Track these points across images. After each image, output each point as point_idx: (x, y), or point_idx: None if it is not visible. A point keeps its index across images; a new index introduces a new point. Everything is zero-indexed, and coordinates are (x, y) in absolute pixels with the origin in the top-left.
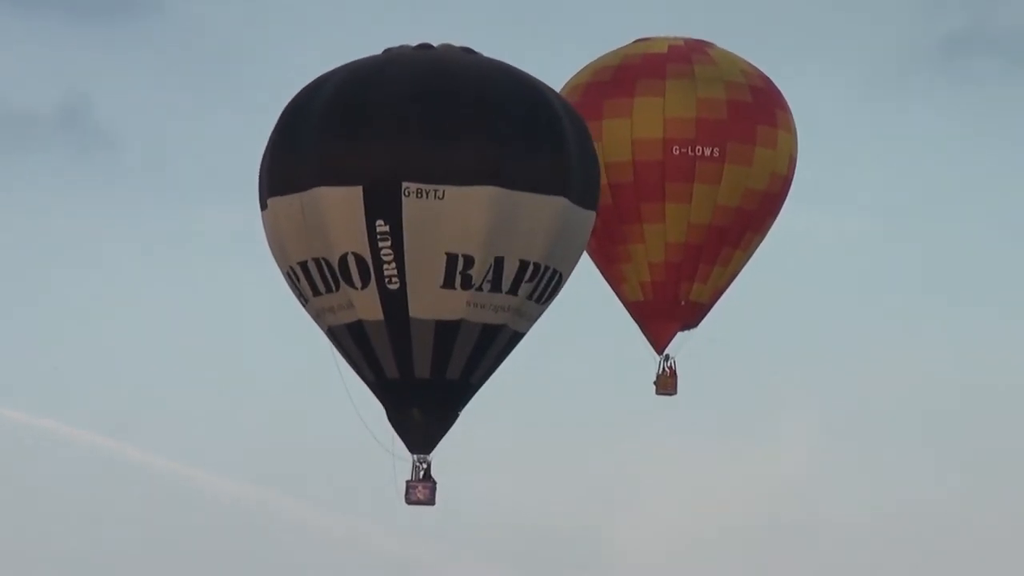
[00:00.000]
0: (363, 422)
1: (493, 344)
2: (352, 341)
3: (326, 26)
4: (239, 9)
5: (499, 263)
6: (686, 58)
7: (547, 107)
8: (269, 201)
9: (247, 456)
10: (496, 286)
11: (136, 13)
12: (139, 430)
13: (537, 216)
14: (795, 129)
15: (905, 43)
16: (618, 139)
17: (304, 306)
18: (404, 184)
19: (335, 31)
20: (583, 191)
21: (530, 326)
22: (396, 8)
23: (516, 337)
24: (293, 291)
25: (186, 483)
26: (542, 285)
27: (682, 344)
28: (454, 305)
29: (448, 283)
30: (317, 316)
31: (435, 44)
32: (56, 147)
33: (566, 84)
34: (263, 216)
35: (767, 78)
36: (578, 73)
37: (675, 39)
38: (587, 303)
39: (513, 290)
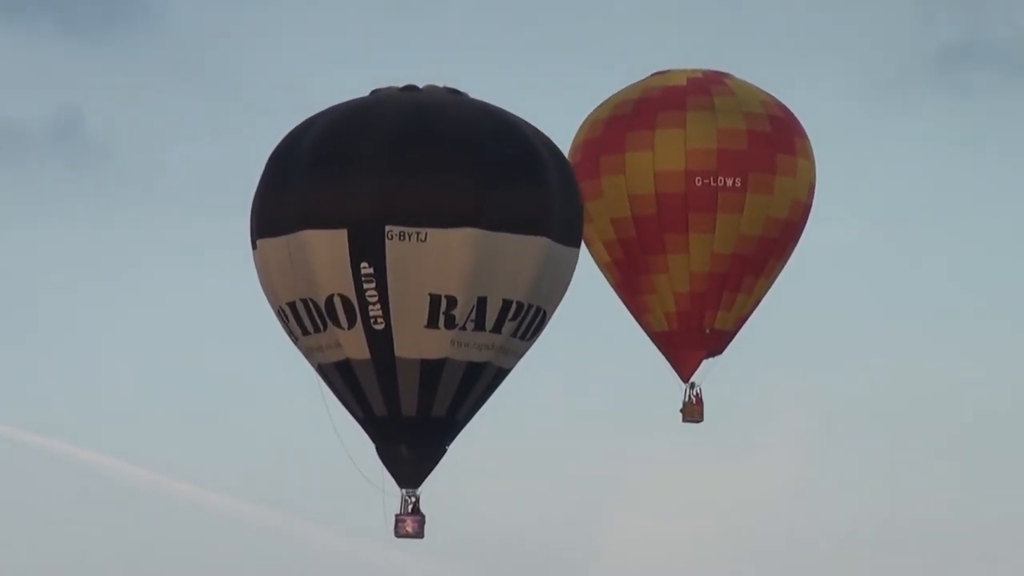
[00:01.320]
0: (351, 460)
1: (478, 381)
2: (341, 379)
3: (320, 60)
4: (234, 20)
5: (482, 303)
6: (705, 90)
7: (529, 148)
8: (258, 242)
9: (237, 484)
10: (480, 325)
11: (129, 25)
12: (128, 445)
13: (518, 256)
14: (813, 156)
15: (901, 53)
16: (641, 172)
17: (295, 344)
18: (387, 227)
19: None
20: (565, 230)
21: (516, 362)
22: (415, 46)
23: (501, 373)
24: (284, 329)
25: (175, 503)
26: (526, 323)
27: (707, 372)
28: (438, 344)
29: (432, 323)
30: (307, 354)
31: (421, 85)
32: (48, 160)
33: (586, 118)
34: (253, 256)
35: (785, 107)
36: (599, 107)
37: (693, 71)
38: (611, 334)
39: (497, 328)
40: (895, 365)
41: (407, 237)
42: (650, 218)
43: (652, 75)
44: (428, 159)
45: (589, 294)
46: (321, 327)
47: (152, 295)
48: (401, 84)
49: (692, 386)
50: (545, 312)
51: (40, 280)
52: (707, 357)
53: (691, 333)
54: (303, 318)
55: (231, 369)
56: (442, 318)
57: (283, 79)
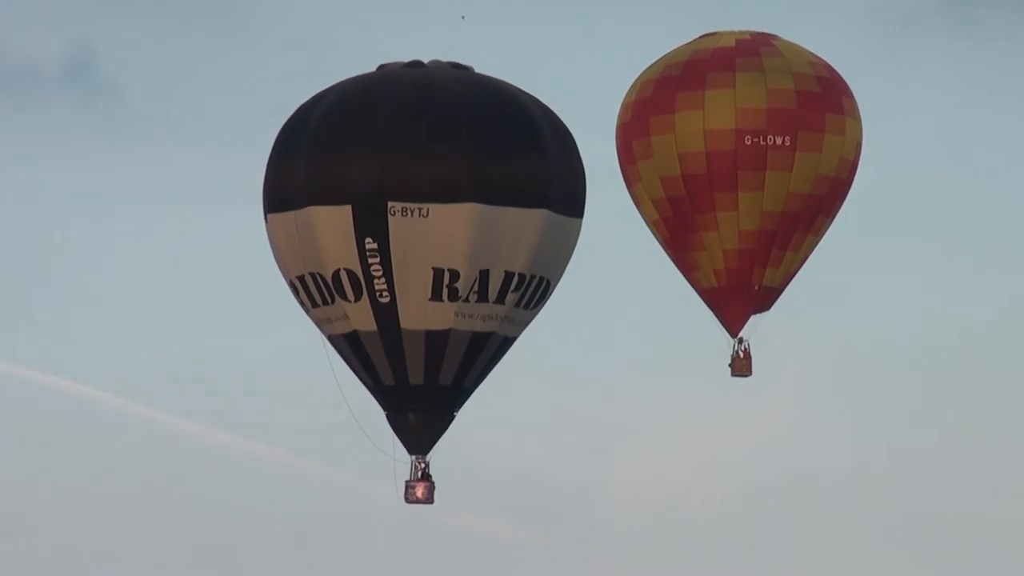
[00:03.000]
0: (361, 429)
1: (483, 350)
2: (350, 350)
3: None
4: None
5: (484, 275)
6: (754, 51)
7: (529, 122)
8: (268, 217)
9: (247, 450)
10: (483, 296)
11: None
12: (135, 392)
13: (519, 228)
14: (860, 115)
15: None
16: (691, 130)
17: (307, 315)
18: (390, 203)
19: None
20: (566, 201)
21: (521, 331)
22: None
23: (507, 342)
24: (297, 300)
25: (179, 446)
26: (529, 292)
27: (755, 327)
28: (442, 316)
29: (436, 296)
30: (318, 325)
31: (426, 61)
32: (60, 99)
33: (636, 79)
34: (266, 228)
35: (831, 67)
36: (649, 68)
37: (741, 32)
38: (660, 291)
39: (500, 299)
40: (936, 318)
41: (409, 213)
42: (700, 176)
43: (700, 37)
44: (428, 136)
45: (638, 252)
46: (329, 300)
47: (163, 234)
48: (407, 59)
49: (740, 341)
50: (549, 282)
51: (47, 217)
52: (755, 313)
53: (740, 290)
54: (312, 291)
55: (241, 325)
56: (445, 291)
57: (301, 18)
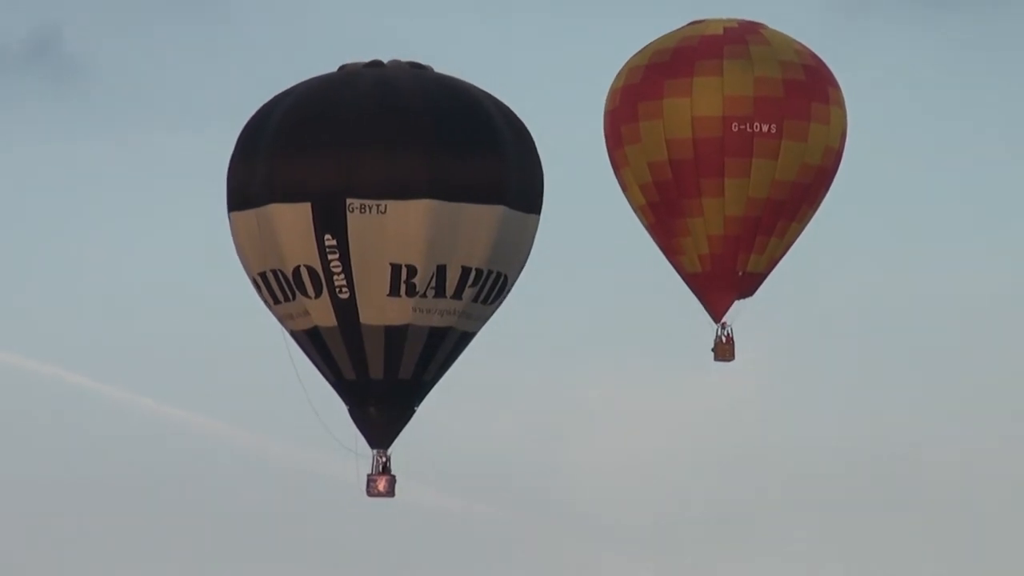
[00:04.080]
0: (323, 424)
1: (442, 345)
2: (312, 345)
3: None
4: None
5: (441, 270)
6: (741, 39)
7: (485, 119)
8: (231, 215)
9: (207, 443)
10: (440, 292)
11: None
12: (94, 371)
13: (475, 224)
14: (845, 105)
15: None
16: (679, 117)
17: (270, 310)
18: (348, 200)
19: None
20: (522, 197)
21: (480, 325)
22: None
23: (465, 337)
24: (260, 297)
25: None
26: (487, 288)
27: (738, 313)
28: (401, 311)
29: (394, 291)
30: (281, 321)
31: (386, 60)
32: (27, 78)
33: (624, 65)
34: (229, 226)
35: (817, 56)
36: (636, 54)
37: (729, 20)
38: (645, 276)
39: (457, 295)
40: (919, 303)
41: (367, 209)
42: (687, 162)
43: (688, 24)
44: (386, 134)
45: (623, 236)
46: (291, 296)
47: (129, 219)
48: (367, 59)
49: (723, 326)
50: (507, 277)
51: (15, 198)
52: (739, 298)
53: (724, 275)
54: (274, 288)
55: (205, 313)
56: (403, 286)
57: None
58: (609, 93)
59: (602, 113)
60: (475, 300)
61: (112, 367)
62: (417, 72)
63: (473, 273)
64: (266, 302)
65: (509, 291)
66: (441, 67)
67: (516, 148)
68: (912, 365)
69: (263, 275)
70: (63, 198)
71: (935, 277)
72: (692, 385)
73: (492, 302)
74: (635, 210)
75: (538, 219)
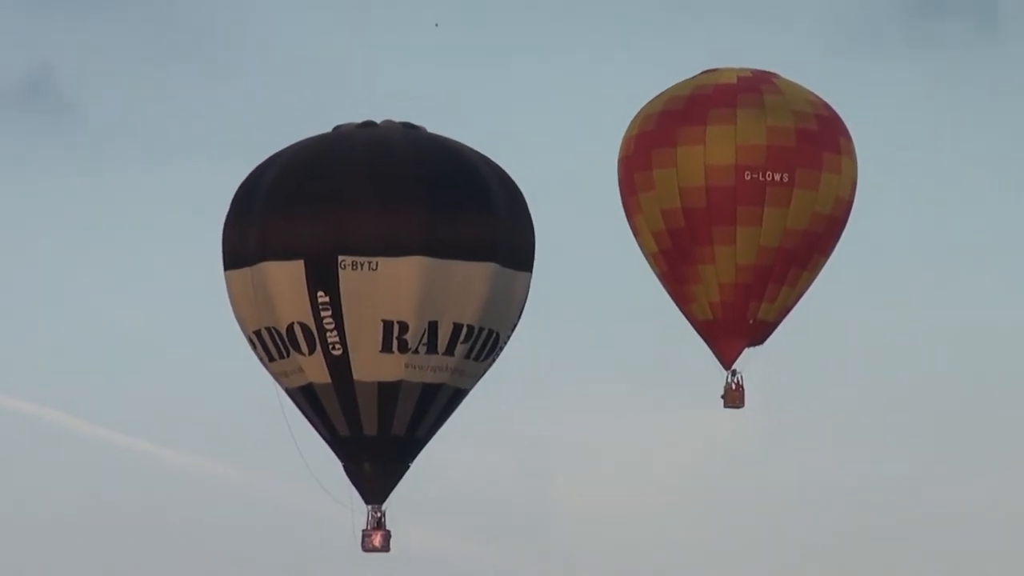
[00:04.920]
0: (317, 480)
1: (435, 401)
2: (306, 402)
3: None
4: None
5: (433, 327)
6: (755, 88)
7: (477, 178)
8: (226, 274)
9: (203, 498)
10: (432, 348)
11: None
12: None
13: (466, 281)
14: (856, 156)
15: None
16: (692, 165)
17: (265, 368)
18: (340, 257)
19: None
20: (514, 255)
21: (473, 383)
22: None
23: (458, 394)
24: (255, 354)
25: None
26: (479, 345)
27: (748, 360)
28: (393, 367)
29: (386, 348)
30: (275, 378)
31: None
32: (19, 119)
33: (638, 113)
34: (225, 284)
35: (830, 107)
36: (651, 102)
37: (742, 70)
38: (656, 323)
39: (449, 351)
40: (929, 353)
41: (359, 266)
42: (699, 210)
43: (702, 73)
44: (378, 192)
45: (634, 283)
46: (285, 354)
47: (126, 263)
48: (361, 120)
49: (734, 373)
50: (499, 334)
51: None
52: (749, 346)
53: (735, 323)
54: (268, 346)
55: (200, 363)
56: (395, 343)
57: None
58: (623, 140)
59: (615, 161)
60: (467, 357)
61: (109, 418)
62: (409, 132)
63: (465, 329)
64: (261, 360)
65: (502, 349)
66: (434, 127)
67: (507, 206)
68: (922, 415)
69: (258, 333)
70: (60, 238)
71: (944, 327)
72: (701, 431)
73: (484, 359)
74: (647, 257)
75: (530, 277)
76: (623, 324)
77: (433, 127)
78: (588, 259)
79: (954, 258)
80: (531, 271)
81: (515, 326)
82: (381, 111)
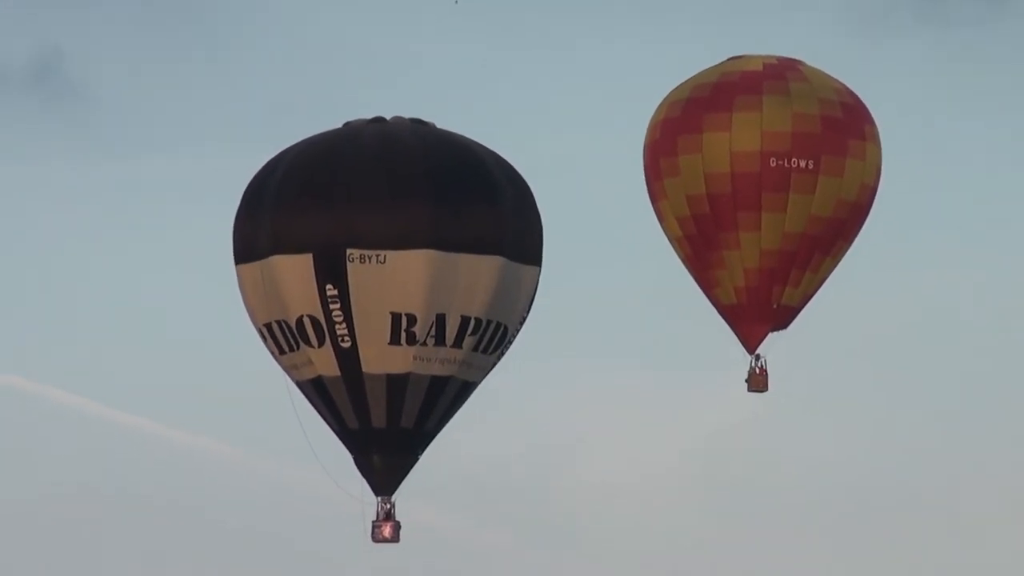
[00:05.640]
0: (327, 472)
1: (443, 394)
2: (316, 395)
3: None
4: None
5: (441, 319)
6: (781, 76)
7: (484, 173)
8: (236, 268)
9: (213, 492)
10: (440, 341)
11: None
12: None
13: (474, 274)
14: (880, 142)
15: None
16: (718, 151)
17: (276, 361)
18: (348, 251)
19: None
20: (521, 249)
21: (482, 375)
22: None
23: (467, 386)
24: (266, 348)
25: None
26: (487, 337)
27: (772, 344)
28: (402, 360)
29: (394, 340)
30: (286, 372)
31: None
32: (27, 101)
33: (664, 99)
34: (237, 279)
35: (854, 94)
36: (677, 88)
37: (767, 57)
38: (680, 307)
39: (457, 344)
40: (952, 337)
41: (367, 259)
42: (724, 196)
43: (728, 60)
44: (387, 186)
45: (658, 268)
46: (295, 346)
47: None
48: (371, 116)
49: (757, 358)
50: (507, 327)
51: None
52: (773, 331)
53: (759, 308)
54: (279, 338)
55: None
56: (403, 335)
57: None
58: (649, 126)
59: (641, 148)
60: (475, 349)
61: (118, 399)
62: (418, 128)
63: (472, 322)
64: (272, 353)
65: (511, 342)
66: (444, 124)
67: (514, 201)
68: (947, 399)
69: (268, 326)
70: (65, 221)
71: (967, 312)
72: (725, 415)
73: (493, 352)
74: (671, 242)
75: (538, 271)
76: (646, 310)
77: (443, 123)
78: (609, 245)
79: (976, 243)
80: (539, 265)
81: (524, 320)
82: (391, 108)
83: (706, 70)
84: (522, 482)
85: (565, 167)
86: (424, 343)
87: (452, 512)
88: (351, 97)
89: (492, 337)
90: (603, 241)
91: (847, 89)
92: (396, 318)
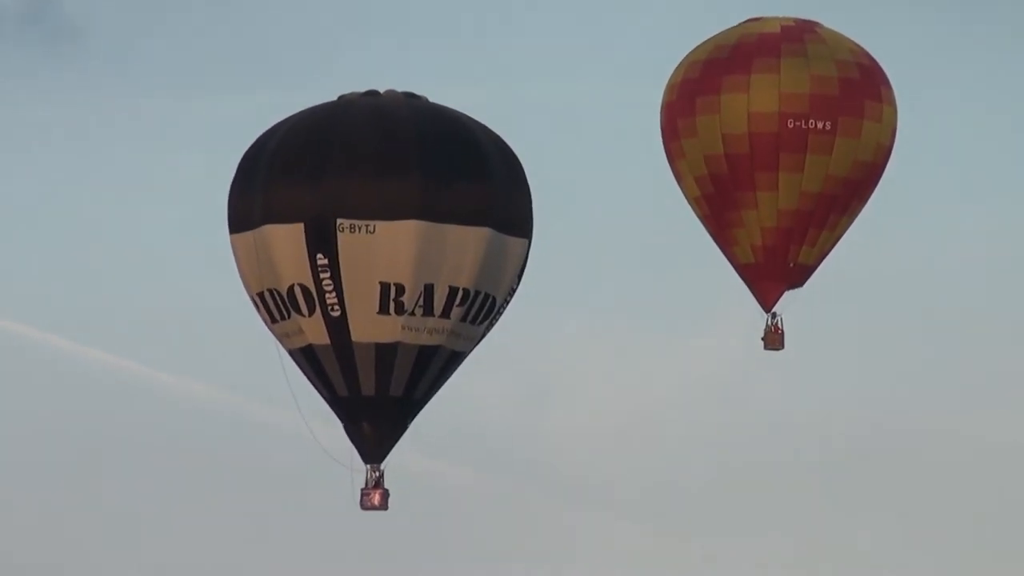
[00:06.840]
0: (316, 439)
1: (431, 363)
2: (307, 363)
3: None
4: None
5: (429, 290)
6: (798, 37)
7: (474, 145)
8: (231, 238)
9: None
10: (428, 310)
11: None
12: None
13: (462, 245)
14: (896, 103)
15: None
16: (736, 112)
17: (269, 329)
18: (338, 220)
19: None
20: (510, 221)
21: (471, 346)
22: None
23: (455, 356)
24: (259, 316)
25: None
26: (475, 308)
27: (788, 302)
28: (390, 329)
29: (383, 309)
30: (278, 340)
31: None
32: (22, 40)
33: (682, 60)
34: (231, 248)
35: (870, 55)
36: (695, 50)
37: (785, 19)
38: (697, 266)
39: (445, 314)
40: (965, 296)
41: (357, 229)
42: (743, 156)
43: (746, 21)
44: (377, 157)
45: (676, 227)
46: (286, 315)
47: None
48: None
49: (774, 316)
50: (494, 298)
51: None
52: (789, 289)
53: (775, 266)
54: (271, 307)
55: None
56: (392, 304)
57: None
58: (667, 87)
59: (658, 107)
60: (463, 320)
61: (109, 343)
62: (410, 101)
63: (460, 293)
64: (265, 321)
65: (500, 313)
66: (436, 98)
67: (504, 174)
68: (959, 355)
69: (261, 295)
70: (65, 163)
71: (980, 268)
72: (742, 373)
73: (481, 322)
74: (689, 201)
75: (527, 243)
76: (663, 269)
77: (435, 97)
78: (629, 203)
79: (988, 202)
80: (528, 238)
81: (513, 291)
82: (385, 81)
83: (724, 32)
84: (540, 442)
85: (582, 127)
86: (412, 313)
87: (449, 474)
88: (345, 70)
89: (480, 308)
90: (620, 201)
91: (863, 50)
92: (385, 287)
